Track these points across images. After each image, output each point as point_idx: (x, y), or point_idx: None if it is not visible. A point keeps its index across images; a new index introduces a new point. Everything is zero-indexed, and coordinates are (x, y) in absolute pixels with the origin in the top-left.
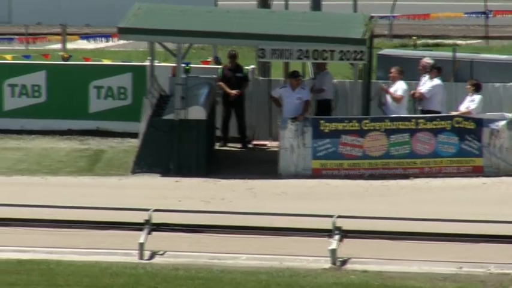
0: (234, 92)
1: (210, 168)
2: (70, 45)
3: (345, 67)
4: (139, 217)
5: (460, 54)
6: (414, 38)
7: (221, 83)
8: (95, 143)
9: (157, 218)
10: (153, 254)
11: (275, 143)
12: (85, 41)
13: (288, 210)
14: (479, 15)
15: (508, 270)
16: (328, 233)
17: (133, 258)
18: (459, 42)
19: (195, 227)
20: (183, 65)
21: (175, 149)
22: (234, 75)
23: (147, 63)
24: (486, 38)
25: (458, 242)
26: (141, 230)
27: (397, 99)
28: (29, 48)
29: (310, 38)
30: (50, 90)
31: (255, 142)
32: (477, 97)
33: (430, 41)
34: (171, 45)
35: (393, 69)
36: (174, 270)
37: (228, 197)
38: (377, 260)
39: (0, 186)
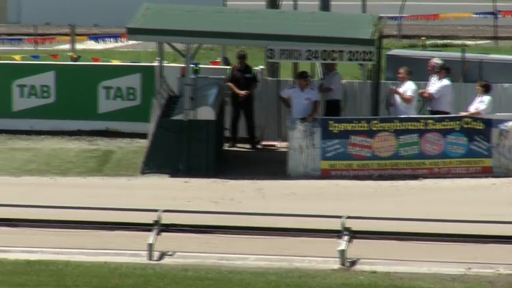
0: (243, 92)
1: (219, 169)
2: (79, 46)
3: (354, 67)
4: (148, 218)
5: (469, 55)
6: (423, 38)
7: (230, 84)
8: (104, 144)
9: (166, 219)
10: (162, 255)
11: (284, 144)
12: (94, 42)
13: (297, 211)
14: (488, 16)
15: None
16: (337, 233)
17: (142, 258)
18: (468, 42)
19: (204, 227)
20: (192, 65)
21: (185, 150)
22: (243, 76)
23: (156, 63)
24: (495, 38)
25: (467, 242)
26: (150, 230)
27: (407, 100)
28: (38, 48)
29: (319, 38)
30: (59, 91)
31: (264, 142)
32: (487, 98)
33: (439, 42)
34: (180, 46)
35: (402, 70)
36: (183, 271)
37: (237, 197)
38: (386, 261)
39: (9, 186)
